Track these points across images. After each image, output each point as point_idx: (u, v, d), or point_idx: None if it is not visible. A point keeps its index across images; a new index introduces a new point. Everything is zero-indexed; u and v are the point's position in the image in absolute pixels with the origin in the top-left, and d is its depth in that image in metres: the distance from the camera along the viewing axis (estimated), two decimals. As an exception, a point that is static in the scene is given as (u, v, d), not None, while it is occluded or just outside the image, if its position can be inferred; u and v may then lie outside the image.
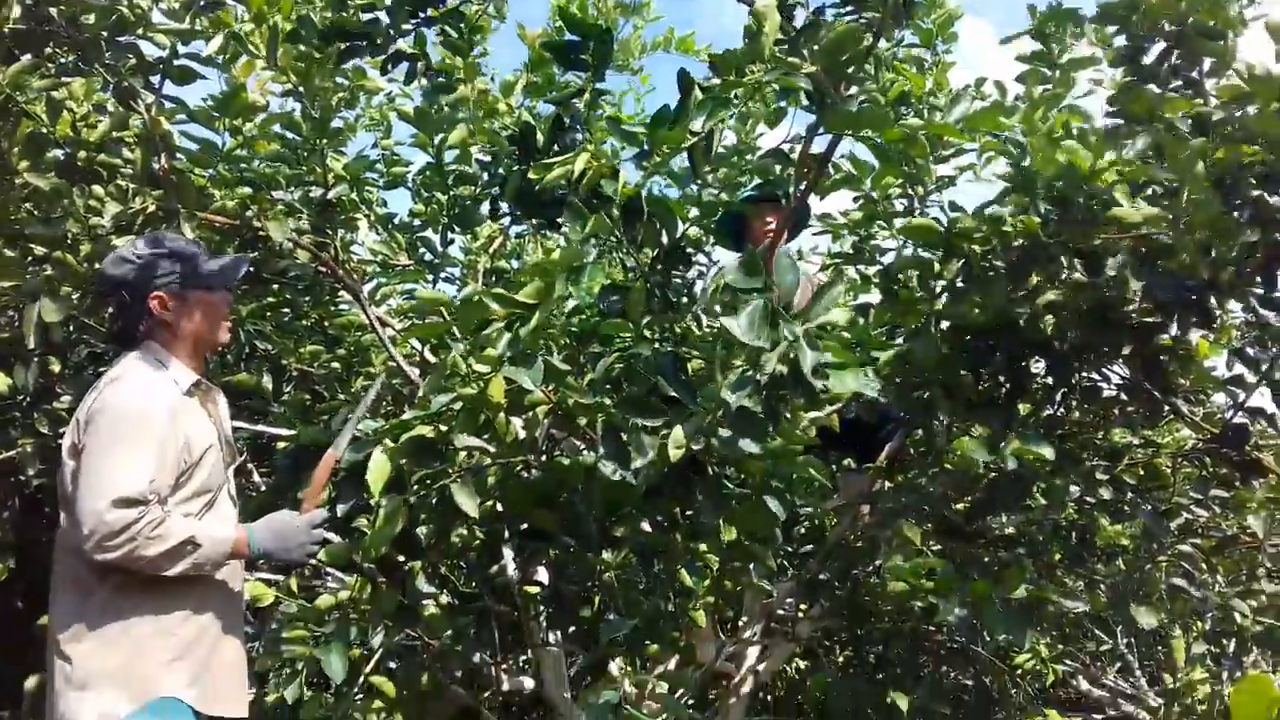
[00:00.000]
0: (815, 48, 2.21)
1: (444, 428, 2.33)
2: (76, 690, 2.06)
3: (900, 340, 2.90)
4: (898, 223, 3.40)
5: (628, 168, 2.36)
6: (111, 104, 3.04)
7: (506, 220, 4.23)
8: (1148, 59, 2.67)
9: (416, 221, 4.31)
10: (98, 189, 2.94)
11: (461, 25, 2.88)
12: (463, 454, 2.40)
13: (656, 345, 2.39)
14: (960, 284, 2.76)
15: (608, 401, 2.33)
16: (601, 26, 2.75)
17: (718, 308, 2.11)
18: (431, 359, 3.45)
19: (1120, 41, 2.72)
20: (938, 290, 2.77)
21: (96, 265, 2.65)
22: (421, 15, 2.81)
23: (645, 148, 2.23)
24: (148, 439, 2.10)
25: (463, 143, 3.46)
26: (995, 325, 2.74)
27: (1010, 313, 2.70)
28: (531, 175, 2.41)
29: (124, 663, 2.07)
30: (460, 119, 3.73)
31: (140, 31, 2.96)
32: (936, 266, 2.79)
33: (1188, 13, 2.49)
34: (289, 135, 3.46)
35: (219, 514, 2.29)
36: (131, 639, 2.09)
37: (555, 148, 2.97)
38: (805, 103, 2.25)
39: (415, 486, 2.32)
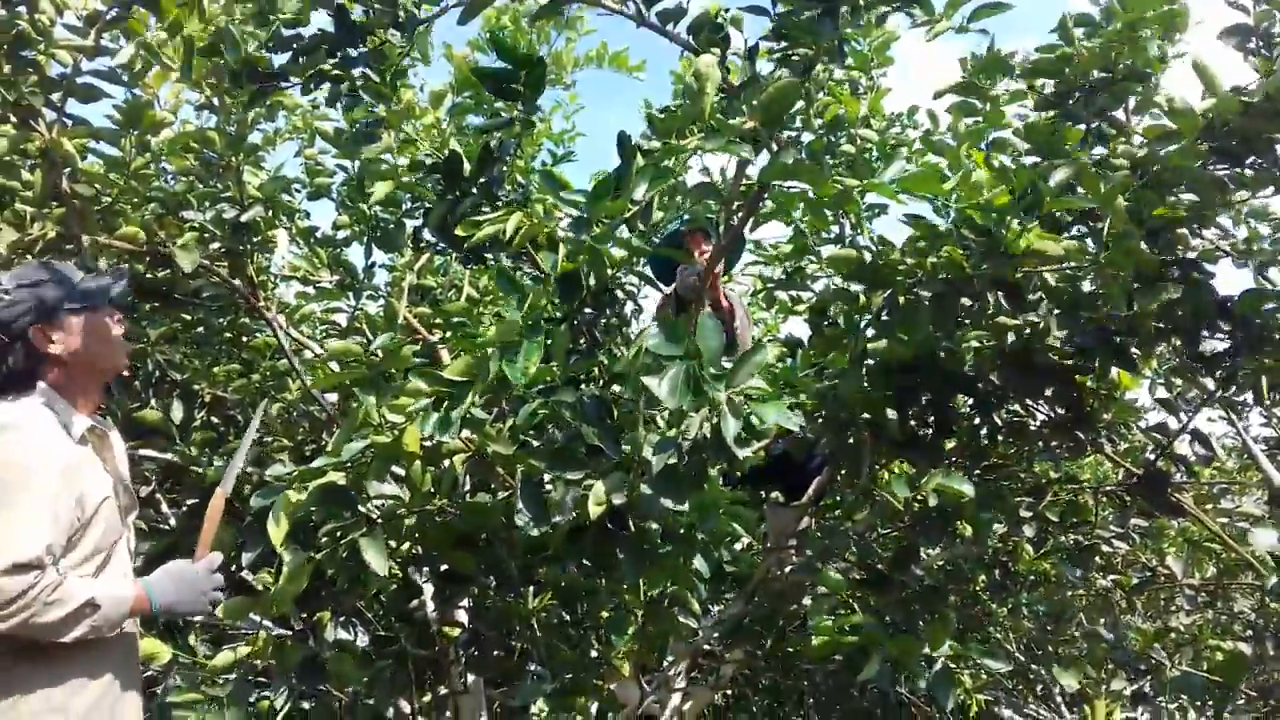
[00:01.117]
0: (755, 102, 2.17)
1: (355, 475, 2.26)
2: None
3: (828, 377, 2.88)
4: (825, 252, 3.38)
5: (564, 227, 2.32)
6: (9, 123, 2.88)
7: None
8: (1072, 101, 2.67)
9: (340, 234, 4.20)
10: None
11: (382, 68, 2.75)
12: (375, 502, 2.33)
13: (581, 389, 2.33)
14: (885, 317, 2.75)
15: (528, 450, 2.27)
16: (535, 57, 2.68)
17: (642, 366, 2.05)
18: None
19: (1049, 89, 2.72)
20: (864, 324, 2.75)
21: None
22: (338, 55, 2.68)
23: (585, 216, 2.17)
24: (40, 498, 1.96)
25: (390, 176, 3.37)
26: (920, 362, 2.73)
27: (935, 349, 2.69)
28: (459, 232, 2.34)
29: None
30: (383, 151, 3.64)
31: (42, 47, 2.81)
32: (862, 299, 2.77)
33: (1116, 60, 2.50)
34: (203, 151, 3.33)
35: (115, 570, 2.16)
36: (20, 715, 1.97)
37: (482, 179, 2.91)
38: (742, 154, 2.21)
39: (324, 538, 2.23)
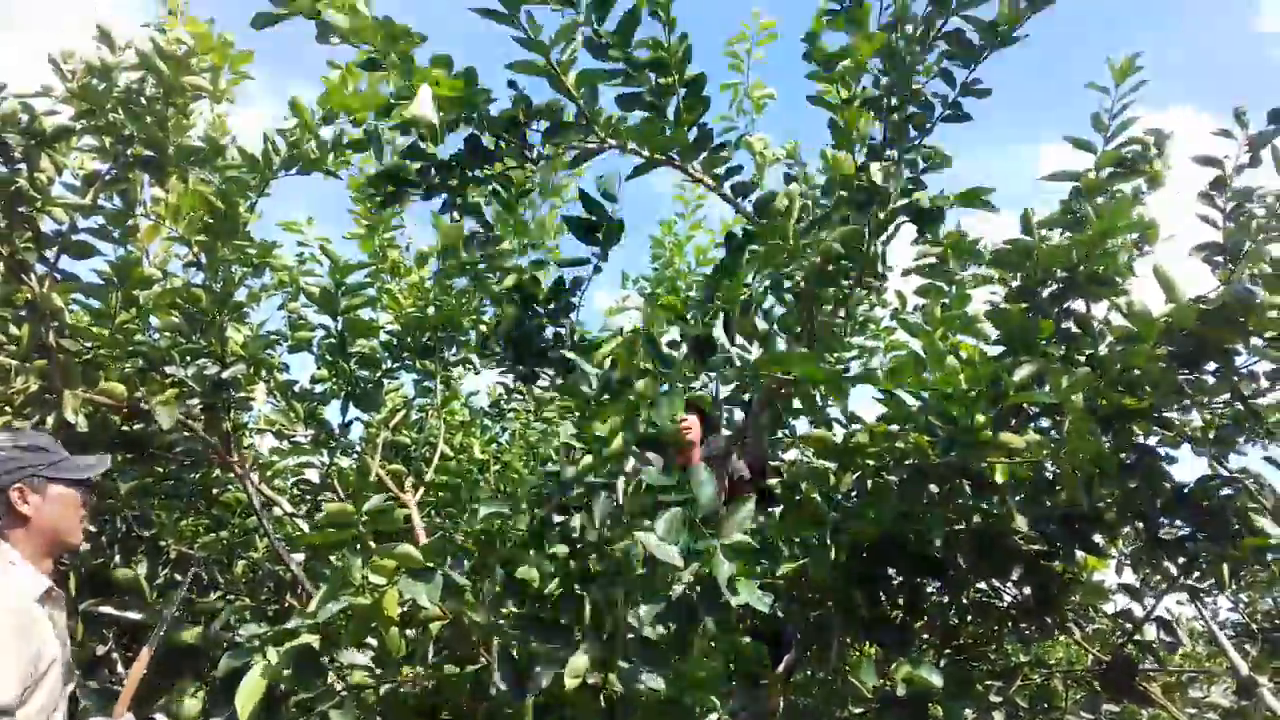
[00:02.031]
0: (821, 235, 2.34)
1: (330, 638, 2.23)
2: None
3: (799, 552, 2.88)
4: (799, 427, 3.45)
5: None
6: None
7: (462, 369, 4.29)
8: (1041, 297, 2.78)
9: (318, 388, 4.23)
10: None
11: (510, 188, 3.07)
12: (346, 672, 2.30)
13: (557, 552, 2.35)
14: (854, 497, 2.79)
15: (504, 620, 2.26)
16: (617, 218, 2.96)
17: (630, 520, 2.09)
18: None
19: (1016, 282, 2.84)
20: (834, 502, 2.78)
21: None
22: (471, 175, 2.92)
23: (708, 294, 2.53)
24: (9, 650, 1.97)
25: (373, 332, 3.48)
26: (888, 542, 2.75)
27: (903, 530, 2.72)
28: (571, 355, 2.52)
29: None
30: (369, 296, 3.72)
31: (39, 204, 2.89)
32: (833, 479, 2.81)
33: (1078, 261, 2.61)
34: (188, 306, 3.38)
35: None
36: None
37: (553, 305, 3.28)
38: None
39: (294, 709, 2.19)
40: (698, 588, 2.12)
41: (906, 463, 2.65)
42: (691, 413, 3.62)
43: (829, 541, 2.77)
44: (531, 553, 2.35)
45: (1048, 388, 2.45)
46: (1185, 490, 2.61)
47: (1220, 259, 2.67)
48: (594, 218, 2.94)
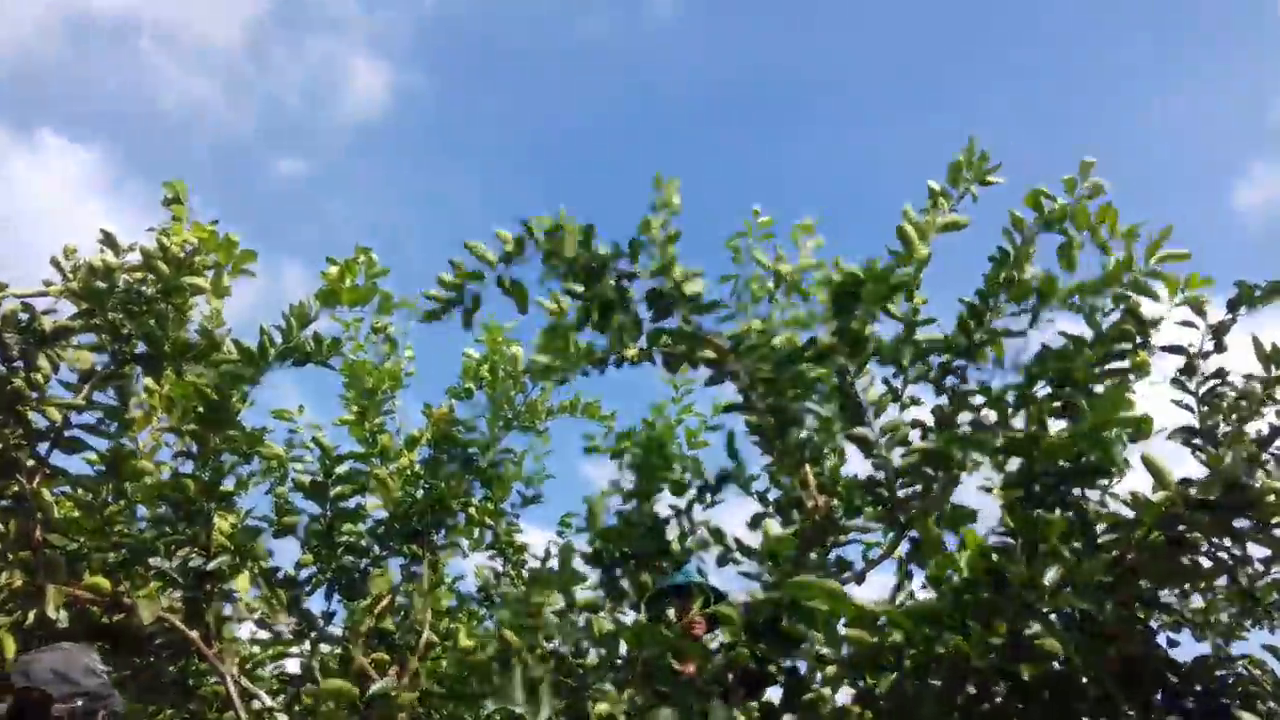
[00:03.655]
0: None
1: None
2: None
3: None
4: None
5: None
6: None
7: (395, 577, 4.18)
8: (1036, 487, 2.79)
9: (303, 573, 4.16)
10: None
11: None
12: None
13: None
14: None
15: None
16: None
17: None
18: None
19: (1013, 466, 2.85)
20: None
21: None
22: None
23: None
24: None
25: (360, 518, 3.45)
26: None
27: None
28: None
29: None
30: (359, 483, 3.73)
31: (35, 402, 2.91)
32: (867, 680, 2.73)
33: (1080, 454, 2.64)
34: (176, 496, 3.36)
35: None
36: None
37: None
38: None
39: None
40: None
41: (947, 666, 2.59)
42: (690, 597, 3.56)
43: None
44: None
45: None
46: (1182, 671, 2.58)
47: (1198, 442, 2.72)
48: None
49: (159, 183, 3.57)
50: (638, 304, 3.05)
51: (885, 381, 3.27)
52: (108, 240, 3.09)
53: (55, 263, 3.15)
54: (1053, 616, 2.67)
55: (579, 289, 2.75)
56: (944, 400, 3.06)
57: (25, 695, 2.35)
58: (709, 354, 3.29)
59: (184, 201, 3.53)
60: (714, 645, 3.41)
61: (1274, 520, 2.27)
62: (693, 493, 2.83)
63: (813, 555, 2.85)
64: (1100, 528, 2.70)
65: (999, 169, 3.07)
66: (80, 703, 2.27)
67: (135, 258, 3.25)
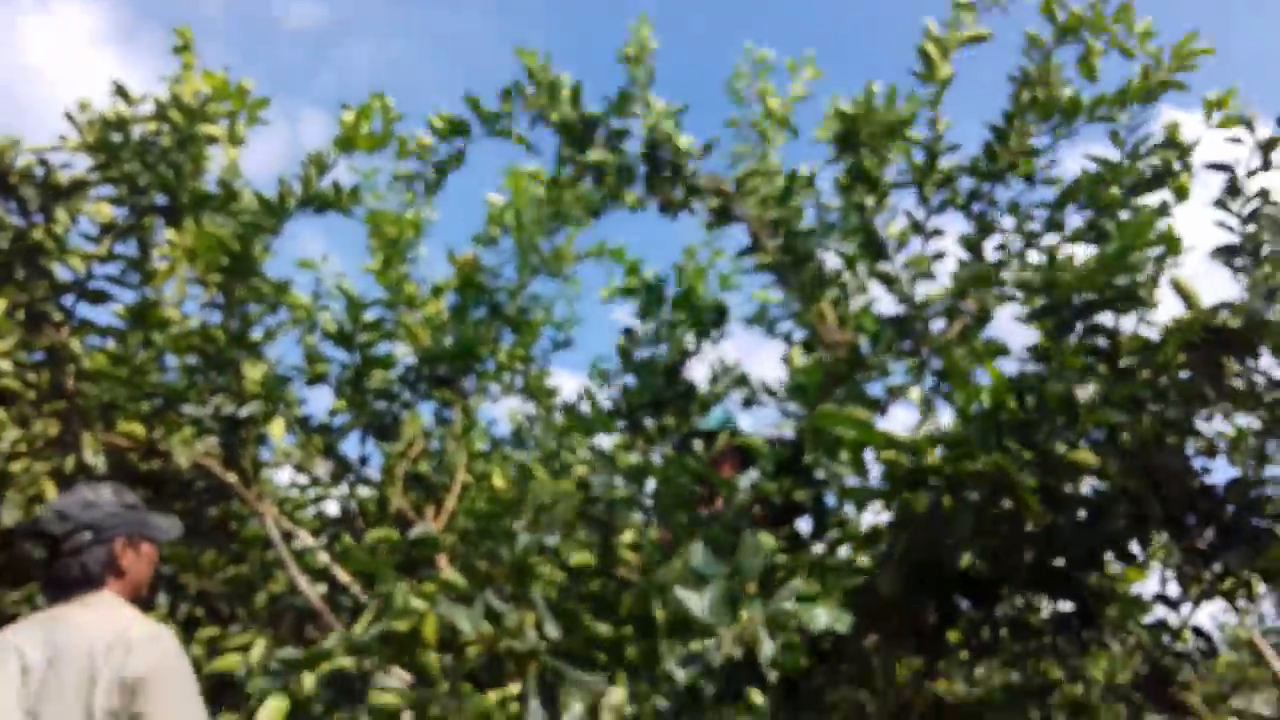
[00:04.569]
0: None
1: (365, 661, 2.22)
2: None
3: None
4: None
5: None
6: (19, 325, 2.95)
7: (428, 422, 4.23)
8: (1065, 314, 2.75)
9: (336, 420, 4.22)
10: (-1, 412, 2.83)
11: None
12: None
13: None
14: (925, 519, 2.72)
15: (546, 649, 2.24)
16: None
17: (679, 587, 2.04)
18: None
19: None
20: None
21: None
22: None
23: None
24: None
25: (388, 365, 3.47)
26: (928, 559, 2.70)
27: (943, 552, 2.66)
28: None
29: None
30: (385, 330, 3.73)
31: (56, 254, 2.91)
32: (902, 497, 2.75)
33: (1105, 282, 2.58)
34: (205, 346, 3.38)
35: None
36: None
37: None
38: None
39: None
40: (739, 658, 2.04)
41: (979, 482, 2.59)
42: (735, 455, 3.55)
43: (901, 561, 2.71)
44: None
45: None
46: (1216, 494, 2.58)
47: (1240, 261, 2.63)
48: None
49: (173, 31, 3.48)
50: (632, 157, 2.99)
51: (907, 214, 3.19)
52: (120, 91, 3.02)
53: (69, 116, 3.09)
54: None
55: (573, 152, 2.69)
56: (971, 228, 2.99)
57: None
58: (713, 202, 3.23)
59: (192, 49, 3.43)
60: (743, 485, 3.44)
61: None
62: (713, 333, 2.78)
63: (839, 391, 2.83)
64: (1127, 353, 2.67)
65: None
66: (88, 535, 2.29)
67: (149, 108, 3.18)
